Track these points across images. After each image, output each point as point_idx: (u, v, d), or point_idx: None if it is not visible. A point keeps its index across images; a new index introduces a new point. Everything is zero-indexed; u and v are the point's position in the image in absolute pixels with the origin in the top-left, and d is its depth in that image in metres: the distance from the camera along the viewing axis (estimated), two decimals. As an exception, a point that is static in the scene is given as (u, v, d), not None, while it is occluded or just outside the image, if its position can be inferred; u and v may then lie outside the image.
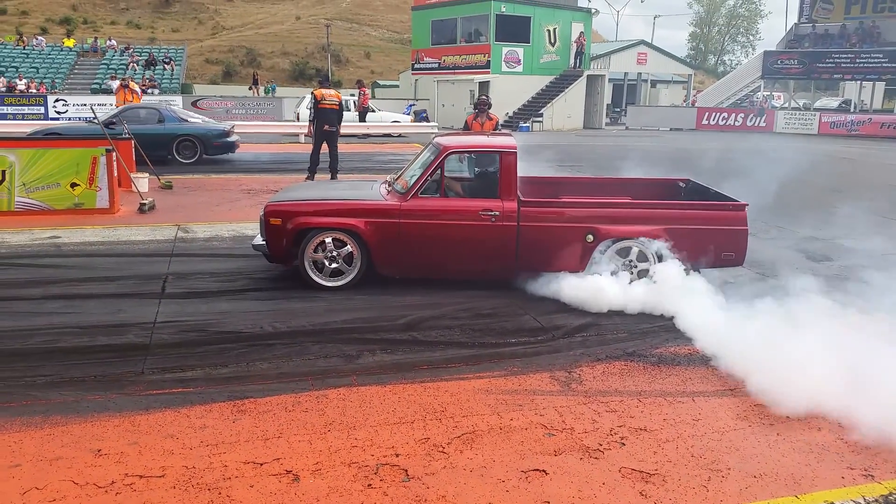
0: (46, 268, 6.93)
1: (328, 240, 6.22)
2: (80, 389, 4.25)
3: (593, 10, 35.03)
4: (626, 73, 36.96)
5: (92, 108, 12.33)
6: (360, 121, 23.96)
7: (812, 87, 37.37)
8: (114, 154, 9.71)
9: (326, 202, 6.42)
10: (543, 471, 3.47)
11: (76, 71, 33.41)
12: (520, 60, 31.09)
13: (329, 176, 12.48)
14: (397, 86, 40.23)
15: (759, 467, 3.56)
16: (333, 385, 4.41)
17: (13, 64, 32.09)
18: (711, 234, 6.14)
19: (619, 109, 38.11)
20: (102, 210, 9.56)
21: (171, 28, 63.84)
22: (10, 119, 24.79)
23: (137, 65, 33.13)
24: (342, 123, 12.74)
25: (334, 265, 6.28)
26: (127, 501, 3.15)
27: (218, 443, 3.66)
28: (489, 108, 10.83)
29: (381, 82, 47.25)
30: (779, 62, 33.86)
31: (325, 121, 12.35)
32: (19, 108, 26.79)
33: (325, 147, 12.57)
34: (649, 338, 5.37)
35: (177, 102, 27.80)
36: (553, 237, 6.17)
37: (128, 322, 5.39)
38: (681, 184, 7.36)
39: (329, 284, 6.30)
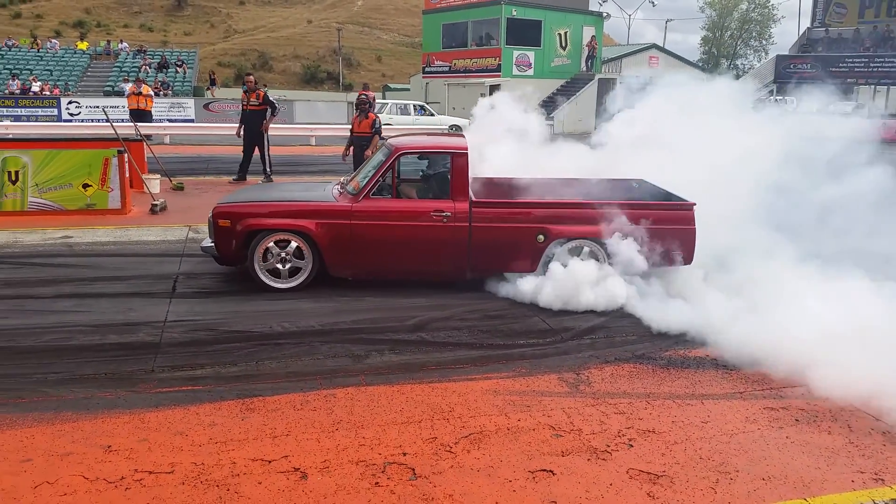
0: (59, 267, 6.98)
1: (279, 241, 6.18)
2: (90, 386, 4.29)
3: (605, 14, 35.04)
4: (637, 77, 37.01)
5: (104, 111, 12.44)
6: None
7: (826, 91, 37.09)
8: (125, 155, 9.78)
9: (276, 203, 6.38)
10: (551, 471, 3.47)
11: (89, 73, 33.65)
12: (530, 64, 31.08)
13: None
14: (408, 89, 40.27)
15: (768, 470, 3.55)
16: (342, 384, 4.42)
17: (27, 66, 32.36)
18: (661, 233, 6.15)
19: (630, 113, 38.11)
20: (114, 210, 9.63)
21: (183, 31, 64.22)
22: (24, 121, 25.01)
23: (150, 68, 33.34)
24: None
25: (287, 266, 6.23)
26: (136, 497, 3.17)
27: (227, 440, 3.69)
28: (369, 106, 11.18)
29: (392, 85, 47.33)
30: (791, 66, 33.69)
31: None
32: (33, 110, 27.03)
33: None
34: (659, 340, 5.36)
35: (189, 105, 28.02)
36: (505, 238, 6.17)
37: (138, 321, 5.43)
38: (634, 184, 7.31)
39: (279, 286, 6.25)
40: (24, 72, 31.34)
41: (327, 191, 6.69)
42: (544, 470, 3.48)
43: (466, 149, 6.30)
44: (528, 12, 30.72)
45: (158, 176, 11.40)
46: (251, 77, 13.21)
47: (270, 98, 12.90)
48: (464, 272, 6.34)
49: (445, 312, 5.82)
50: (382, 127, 11.29)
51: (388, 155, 6.35)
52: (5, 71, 31.23)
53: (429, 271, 6.37)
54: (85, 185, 9.51)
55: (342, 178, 7.11)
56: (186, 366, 4.64)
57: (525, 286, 6.13)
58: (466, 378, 4.57)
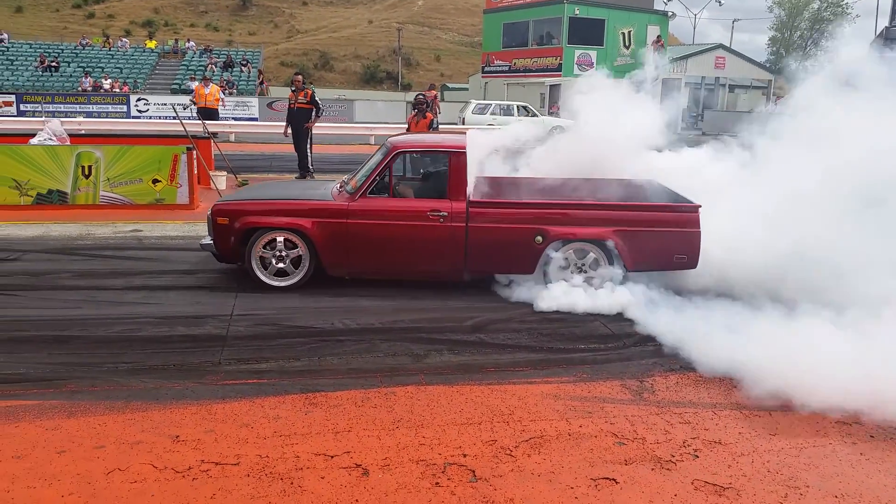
0: (128, 260, 7.22)
1: (276, 239, 6.18)
2: (160, 377, 4.42)
3: (670, 14, 34.43)
4: (703, 77, 36.15)
5: (174, 108, 12.80)
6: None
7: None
8: (194, 152, 10.05)
9: (273, 202, 6.37)
10: (614, 479, 3.42)
11: (157, 71, 34.73)
12: (592, 63, 30.76)
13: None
14: (466, 88, 40.35)
15: (841, 487, 3.42)
16: (401, 383, 4.44)
17: (99, 65, 33.60)
18: (663, 235, 5.96)
19: (695, 114, 37.31)
20: (182, 206, 9.90)
21: (247, 31, 65.66)
22: (95, 117, 25.95)
23: (216, 66, 34.19)
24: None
25: (281, 265, 6.23)
26: (203, 487, 3.24)
27: (291, 434, 3.74)
28: (427, 106, 11.14)
29: (451, 85, 47.46)
30: (865, 67, 32.45)
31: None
32: (103, 106, 28.08)
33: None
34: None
35: (253, 104, 28.62)
36: (502, 238, 6.05)
37: (205, 314, 5.58)
38: (644, 184, 7.07)
39: (276, 284, 6.25)
40: (95, 70, 32.55)
41: (327, 190, 6.66)
42: (607, 478, 3.43)
43: (465, 148, 6.21)
44: (592, 11, 30.44)
45: (225, 173, 11.68)
46: (299, 77, 13.51)
47: (316, 98, 13.14)
48: (461, 273, 6.25)
49: (504, 314, 5.79)
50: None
51: (386, 154, 6.31)
52: (79, 69, 32.49)
53: (426, 271, 6.31)
54: (154, 181, 9.81)
55: (345, 177, 7.08)
56: (252, 359, 4.74)
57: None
58: (526, 381, 4.53)
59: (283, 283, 6.28)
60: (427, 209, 6.12)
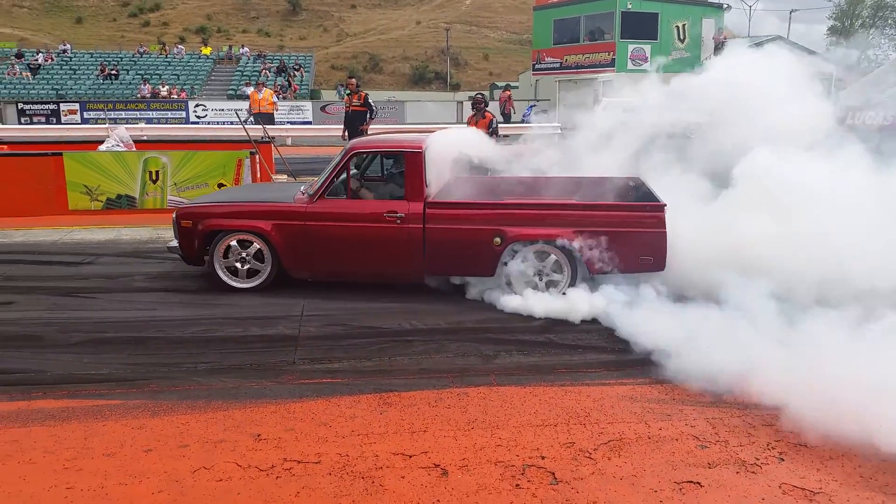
0: (198, 262, 7.36)
1: (238, 241, 6.20)
2: (238, 376, 4.51)
3: (725, 6, 33.64)
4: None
5: (237, 114, 13.07)
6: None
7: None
8: (257, 157, 10.23)
9: (236, 204, 6.41)
10: (698, 483, 3.34)
11: (213, 77, 35.52)
12: (647, 58, 30.22)
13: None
14: (517, 87, 40.10)
15: (941, 493, 3.28)
16: (473, 383, 4.44)
17: (157, 72, 34.51)
18: (626, 236, 5.72)
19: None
20: (245, 208, 10.07)
21: (298, 36, 66.52)
22: (155, 123, 26.65)
23: (269, 71, 34.79)
24: None
25: (246, 266, 6.24)
26: (287, 485, 3.29)
27: (368, 433, 3.78)
28: (486, 105, 10.92)
29: (500, 84, 47.27)
30: (932, 56, 31.16)
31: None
32: (163, 112, 28.83)
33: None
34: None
35: (307, 108, 29.01)
36: (460, 240, 5.91)
37: (277, 314, 5.67)
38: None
39: (240, 286, 6.26)
40: (153, 77, 33.44)
41: (292, 192, 6.61)
42: (691, 482, 3.36)
43: (422, 148, 6.10)
44: (645, 5, 29.89)
45: (286, 176, 11.85)
46: (353, 80, 13.92)
47: (370, 101, 13.37)
48: (421, 275, 6.15)
49: (572, 314, 5.73)
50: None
51: (343, 154, 6.26)
52: (137, 77, 33.43)
53: (385, 273, 6.23)
54: (220, 185, 10.01)
55: (313, 179, 7.01)
56: (325, 359, 4.80)
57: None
58: (600, 382, 4.48)
59: (246, 285, 6.30)
60: (384, 210, 6.04)
